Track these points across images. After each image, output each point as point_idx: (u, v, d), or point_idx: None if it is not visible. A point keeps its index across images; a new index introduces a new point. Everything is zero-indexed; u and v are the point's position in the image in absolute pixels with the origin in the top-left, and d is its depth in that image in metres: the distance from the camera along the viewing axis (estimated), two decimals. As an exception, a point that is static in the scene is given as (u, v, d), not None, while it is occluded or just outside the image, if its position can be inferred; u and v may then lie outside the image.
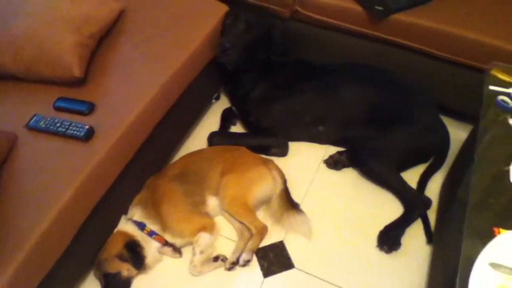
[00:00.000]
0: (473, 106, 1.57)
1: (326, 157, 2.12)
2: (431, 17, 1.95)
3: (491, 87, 1.54)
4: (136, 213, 1.77)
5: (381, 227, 1.85)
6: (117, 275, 1.65)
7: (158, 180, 1.87)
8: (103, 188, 1.57)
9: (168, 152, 2.08)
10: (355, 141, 2.05)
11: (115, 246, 1.68)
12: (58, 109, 1.64)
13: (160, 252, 1.78)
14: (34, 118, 1.58)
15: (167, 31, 1.93)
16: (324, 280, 1.73)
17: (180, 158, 2.02)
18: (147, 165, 1.87)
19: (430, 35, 1.94)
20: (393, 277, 1.74)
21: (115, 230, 1.74)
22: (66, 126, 1.54)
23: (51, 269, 1.41)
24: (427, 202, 1.90)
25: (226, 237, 1.86)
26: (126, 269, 1.67)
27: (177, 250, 1.79)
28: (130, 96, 1.69)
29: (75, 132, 1.52)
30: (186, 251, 1.80)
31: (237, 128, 2.30)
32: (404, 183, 1.94)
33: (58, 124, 1.54)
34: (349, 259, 1.79)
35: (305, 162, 2.12)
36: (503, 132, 1.42)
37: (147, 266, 1.73)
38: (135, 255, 1.68)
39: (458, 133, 2.10)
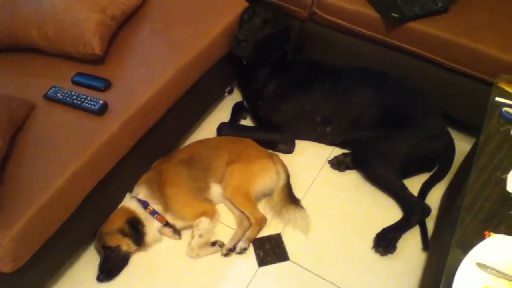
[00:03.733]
0: (480, 118, 1.58)
1: (331, 157, 2.15)
2: (444, 28, 1.96)
3: (497, 98, 1.56)
4: (141, 192, 1.82)
5: (378, 229, 1.87)
6: (117, 249, 1.70)
7: (166, 163, 1.91)
8: (111, 162, 1.62)
9: (177, 137, 2.13)
10: (360, 144, 2.09)
11: (117, 221, 1.73)
12: (75, 83, 1.70)
13: (161, 232, 1.82)
14: (52, 89, 1.64)
15: (186, 20, 1.99)
16: (317, 275, 1.75)
17: (188, 145, 2.08)
18: (156, 147, 1.92)
19: (442, 45, 1.96)
20: (385, 279, 1.76)
21: (119, 206, 1.79)
22: (82, 99, 1.60)
23: (55, 232, 1.46)
24: (426, 210, 1.91)
25: (225, 224, 1.90)
26: (126, 244, 1.72)
27: (177, 232, 1.83)
28: (145, 77, 1.75)
29: (89, 106, 1.58)
30: (186, 235, 1.84)
31: (246, 123, 2.34)
32: (404, 188, 1.96)
33: (74, 97, 1.61)
34: (343, 257, 1.81)
35: (310, 161, 2.15)
36: (504, 142, 1.44)
37: (146, 244, 1.77)
38: (136, 231, 1.72)
39: (464, 146, 2.10)
